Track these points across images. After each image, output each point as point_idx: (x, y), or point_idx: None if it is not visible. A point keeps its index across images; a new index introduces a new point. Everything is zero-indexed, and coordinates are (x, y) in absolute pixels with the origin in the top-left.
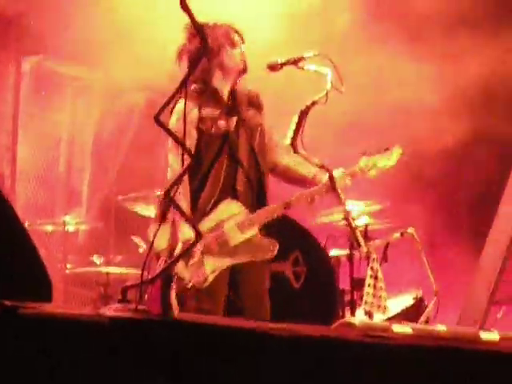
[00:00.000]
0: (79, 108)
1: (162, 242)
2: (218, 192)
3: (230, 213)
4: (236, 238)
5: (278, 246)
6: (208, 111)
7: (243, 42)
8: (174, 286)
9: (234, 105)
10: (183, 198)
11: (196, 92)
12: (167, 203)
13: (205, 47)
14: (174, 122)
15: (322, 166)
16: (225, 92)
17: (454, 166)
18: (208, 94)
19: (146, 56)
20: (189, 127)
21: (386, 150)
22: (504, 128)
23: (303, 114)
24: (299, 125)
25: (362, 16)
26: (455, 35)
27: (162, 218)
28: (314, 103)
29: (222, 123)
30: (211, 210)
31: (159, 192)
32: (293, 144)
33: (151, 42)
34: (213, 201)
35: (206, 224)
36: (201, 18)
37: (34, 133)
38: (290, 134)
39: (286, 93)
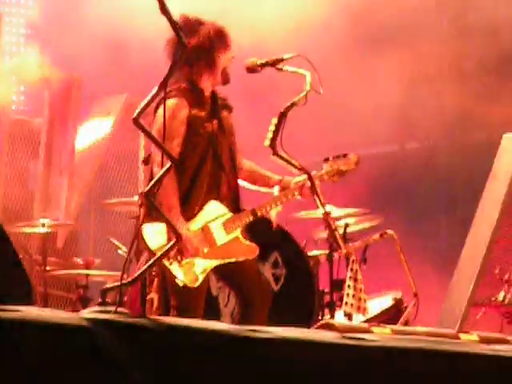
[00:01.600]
0: (57, 111)
1: (157, 241)
2: (205, 193)
3: (216, 214)
4: (222, 238)
5: (258, 248)
6: (196, 112)
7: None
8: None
9: (214, 107)
10: (172, 194)
11: (184, 91)
12: (149, 204)
13: (181, 52)
14: (166, 118)
15: (301, 168)
16: (207, 94)
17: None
18: (195, 95)
19: (125, 59)
20: (180, 125)
21: (345, 155)
22: None
23: (283, 116)
24: (279, 126)
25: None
26: None
27: (151, 216)
28: (293, 105)
29: (208, 125)
30: (198, 211)
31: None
32: (272, 145)
33: (130, 46)
34: (200, 202)
35: (194, 225)
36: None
37: (13, 136)
38: (270, 135)
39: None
